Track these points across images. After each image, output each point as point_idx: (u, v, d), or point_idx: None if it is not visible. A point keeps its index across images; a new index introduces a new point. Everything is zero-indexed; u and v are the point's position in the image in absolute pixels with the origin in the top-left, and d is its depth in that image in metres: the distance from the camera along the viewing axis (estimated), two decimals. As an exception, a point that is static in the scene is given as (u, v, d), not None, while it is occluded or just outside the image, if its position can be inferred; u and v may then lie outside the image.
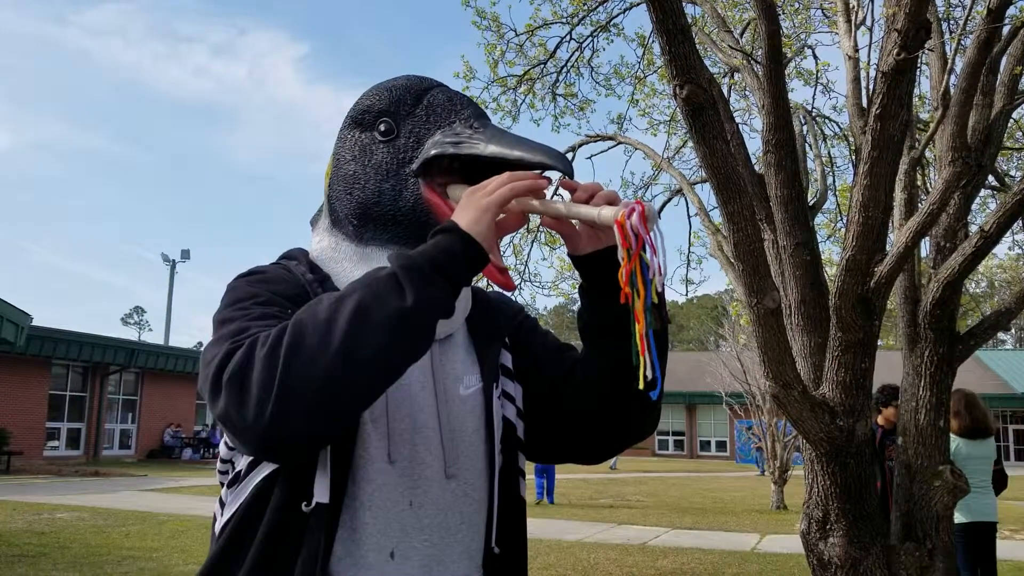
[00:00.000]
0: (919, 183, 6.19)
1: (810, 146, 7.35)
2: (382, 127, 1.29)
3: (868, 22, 5.54)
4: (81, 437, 25.56)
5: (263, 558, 1.12)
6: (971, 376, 32.87)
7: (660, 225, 1.12)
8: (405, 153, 1.27)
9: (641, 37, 8.28)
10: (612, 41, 8.58)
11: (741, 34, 7.10)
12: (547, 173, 1.17)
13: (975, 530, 5.68)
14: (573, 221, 1.22)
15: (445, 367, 1.27)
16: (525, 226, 1.26)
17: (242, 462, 1.21)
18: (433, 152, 1.24)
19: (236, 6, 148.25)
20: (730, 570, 9.00)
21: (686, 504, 17.01)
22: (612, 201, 1.15)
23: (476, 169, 1.23)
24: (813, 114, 7.99)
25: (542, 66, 8.17)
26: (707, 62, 4.24)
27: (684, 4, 3.53)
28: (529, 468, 14.78)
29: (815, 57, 8.28)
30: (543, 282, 9.06)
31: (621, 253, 1.08)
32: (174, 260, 45.83)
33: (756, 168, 5.13)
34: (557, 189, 1.22)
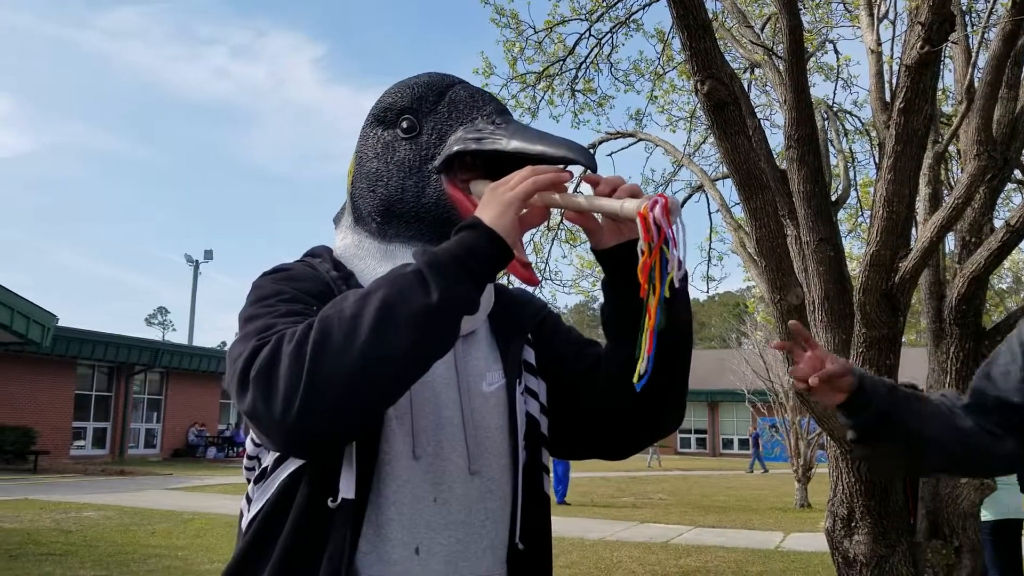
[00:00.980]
0: (943, 178, 6.13)
1: (832, 142, 7.30)
2: (404, 124, 1.29)
3: (891, 15, 5.49)
4: (107, 436, 25.83)
5: (289, 554, 1.13)
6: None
7: (682, 218, 1.11)
8: (428, 150, 1.27)
9: (661, 33, 8.25)
10: (631, 37, 8.53)
11: (762, 29, 7.06)
12: (570, 167, 1.17)
13: (1003, 527, 5.62)
14: (596, 215, 1.21)
15: (468, 364, 1.28)
16: (546, 223, 1.27)
17: (268, 459, 1.21)
18: (455, 148, 1.25)
19: (255, 8, 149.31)
20: (754, 568, 8.95)
21: (709, 502, 16.95)
22: (635, 194, 1.14)
23: (498, 165, 1.23)
24: (835, 109, 7.93)
25: (561, 63, 8.16)
26: (728, 57, 4.21)
27: (704, -1, 3.51)
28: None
29: (837, 52, 8.22)
30: (564, 280, 9.09)
31: (642, 246, 1.08)
32: (197, 260, 46.18)
33: (778, 164, 5.09)
34: (579, 183, 1.22)
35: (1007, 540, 5.64)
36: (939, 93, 6.04)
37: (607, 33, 8.10)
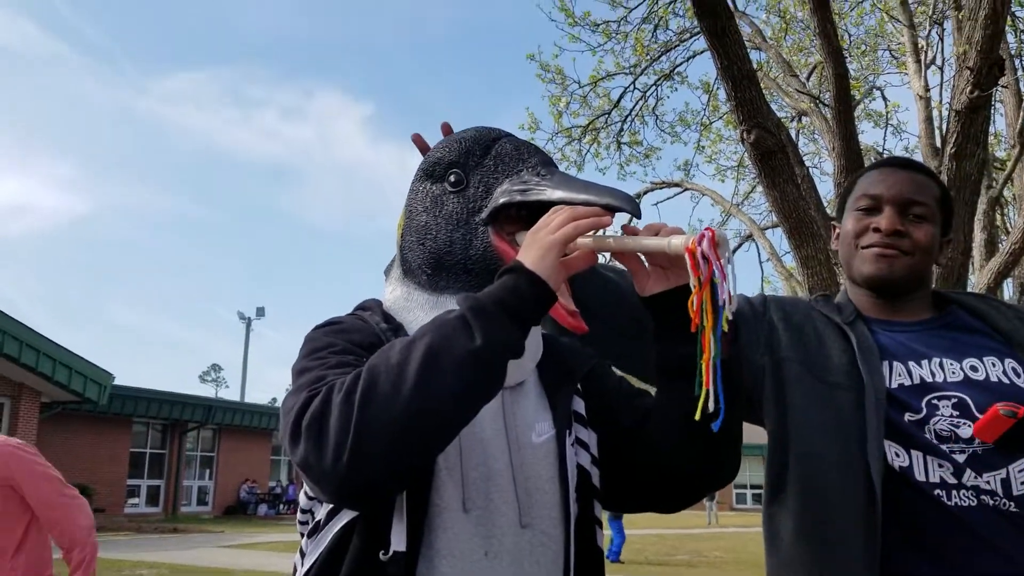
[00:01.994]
0: (999, 223, 6.02)
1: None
2: (452, 178, 1.31)
3: (938, 61, 5.46)
4: (160, 494, 26.06)
5: None
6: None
7: (731, 251, 1.11)
8: (475, 202, 1.29)
9: (706, 84, 8.30)
10: (676, 89, 8.61)
11: (807, 78, 7.07)
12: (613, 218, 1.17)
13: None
14: (640, 257, 1.22)
15: (517, 414, 1.28)
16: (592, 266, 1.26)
17: (322, 511, 1.22)
18: (501, 200, 1.26)
19: (303, 69, 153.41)
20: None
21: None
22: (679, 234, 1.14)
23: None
24: (884, 156, 7.86)
25: (606, 116, 8.24)
26: (774, 107, 4.21)
27: (748, 50, 3.52)
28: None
29: (885, 98, 8.20)
30: None
31: (692, 281, 1.07)
32: (249, 318, 46.95)
33: (829, 211, 5.05)
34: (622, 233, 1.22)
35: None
36: (991, 137, 5.95)
37: (652, 86, 8.19)
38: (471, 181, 1.30)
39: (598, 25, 7.91)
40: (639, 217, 1.17)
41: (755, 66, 3.95)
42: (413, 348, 1.05)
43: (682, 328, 1.14)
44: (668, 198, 8.38)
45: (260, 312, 47.39)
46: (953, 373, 1.48)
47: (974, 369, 1.49)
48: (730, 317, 1.09)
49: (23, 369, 15.68)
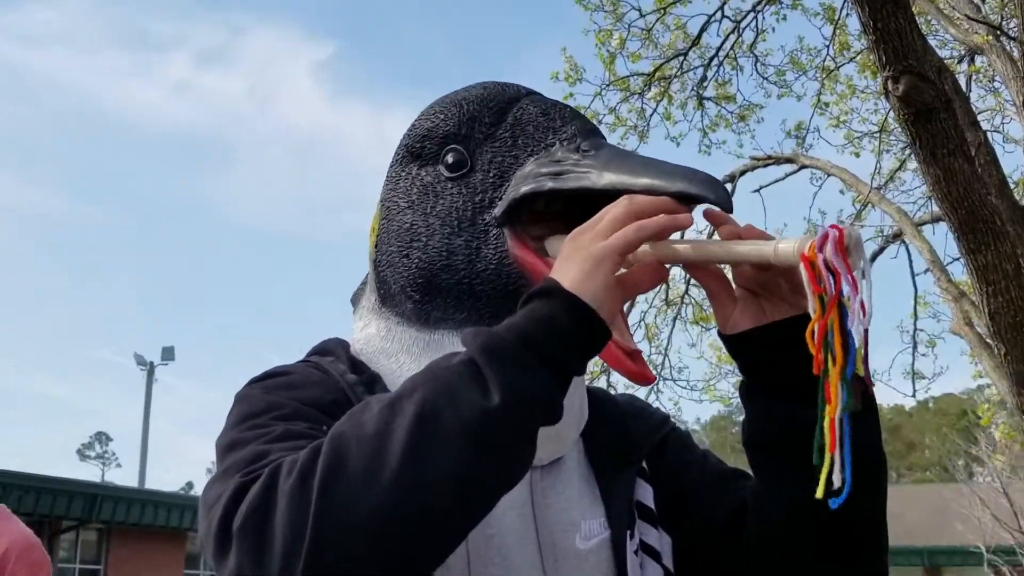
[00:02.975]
0: None
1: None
2: (450, 158, 1.33)
3: None
4: (21, 626, 26.12)
5: None
6: None
7: (868, 259, 1.09)
8: (484, 193, 1.30)
9: (830, 10, 8.28)
10: (785, 18, 8.56)
11: (983, 0, 7.05)
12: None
13: None
14: (726, 274, 1.22)
15: (552, 508, 1.28)
16: (662, 287, 1.25)
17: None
18: (524, 189, 1.27)
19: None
20: None
21: None
22: None
23: (587, 212, 1.21)
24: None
25: (682, 58, 8.23)
26: (933, 42, 4.20)
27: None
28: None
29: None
30: (692, 380, 8.85)
31: (812, 303, 1.06)
32: (151, 362, 47.03)
33: (1018, 197, 5.03)
34: (712, 232, 1.23)
35: None
36: None
37: (748, 13, 8.17)
38: (478, 162, 1.32)
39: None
40: (728, 210, 1.16)
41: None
42: (399, 409, 1.04)
43: (788, 380, 1.15)
44: (775, 180, 8.35)
45: (167, 354, 47.46)
46: None
47: None
48: (864, 352, 1.06)
49: None
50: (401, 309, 1.34)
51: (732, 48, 8.26)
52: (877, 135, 8.46)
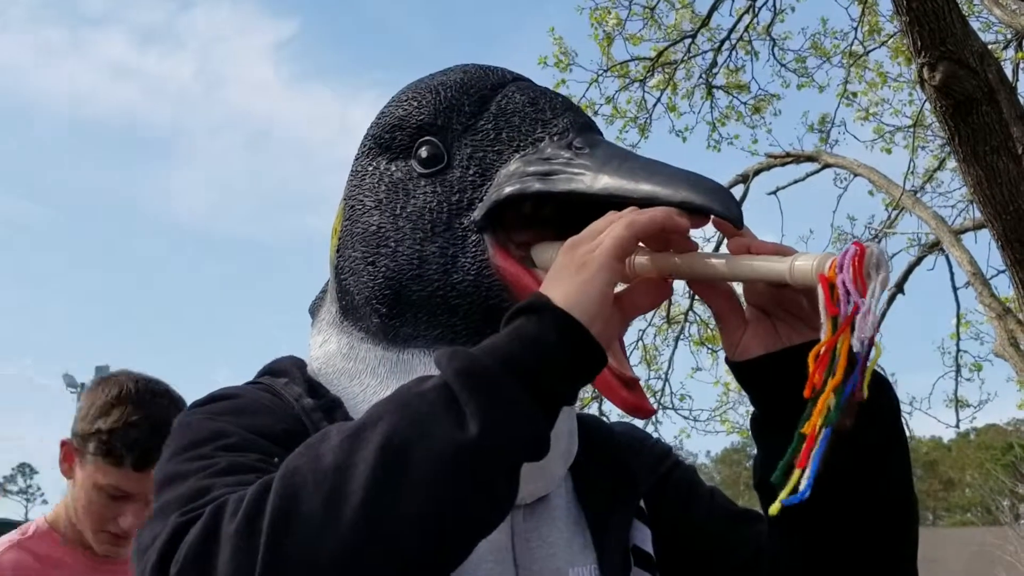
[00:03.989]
0: None
1: None
2: (423, 152, 1.31)
3: None
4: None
5: None
6: None
7: (887, 276, 1.03)
8: (462, 193, 1.27)
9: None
10: (804, -4, 8.48)
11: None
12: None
13: None
14: (737, 293, 1.19)
15: (536, 554, 1.26)
16: (664, 307, 1.24)
17: None
18: (508, 191, 1.24)
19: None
20: None
21: None
22: None
23: (580, 218, 1.19)
24: None
25: (688, 41, 8.12)
26: (976, 25, 4.12)
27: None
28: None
29: None
30: (696, 409, 8.70)
31: (825, 327, 1.01)
32: (83, 384, 47.61)
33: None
34: (721, 244, 1.14)
35: None
36: None
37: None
38: (456, 157, 1.30)
39: None
40: (739, 225, 1.12)
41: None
42: (362, 440, 0.98)
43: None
44: (794, 181, 8.28)
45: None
46: None
47: None
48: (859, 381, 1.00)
49: None
50: (366, 324, 1.32)
51: (746, 30, 8.18)
52: (911, 130, 8.39)
